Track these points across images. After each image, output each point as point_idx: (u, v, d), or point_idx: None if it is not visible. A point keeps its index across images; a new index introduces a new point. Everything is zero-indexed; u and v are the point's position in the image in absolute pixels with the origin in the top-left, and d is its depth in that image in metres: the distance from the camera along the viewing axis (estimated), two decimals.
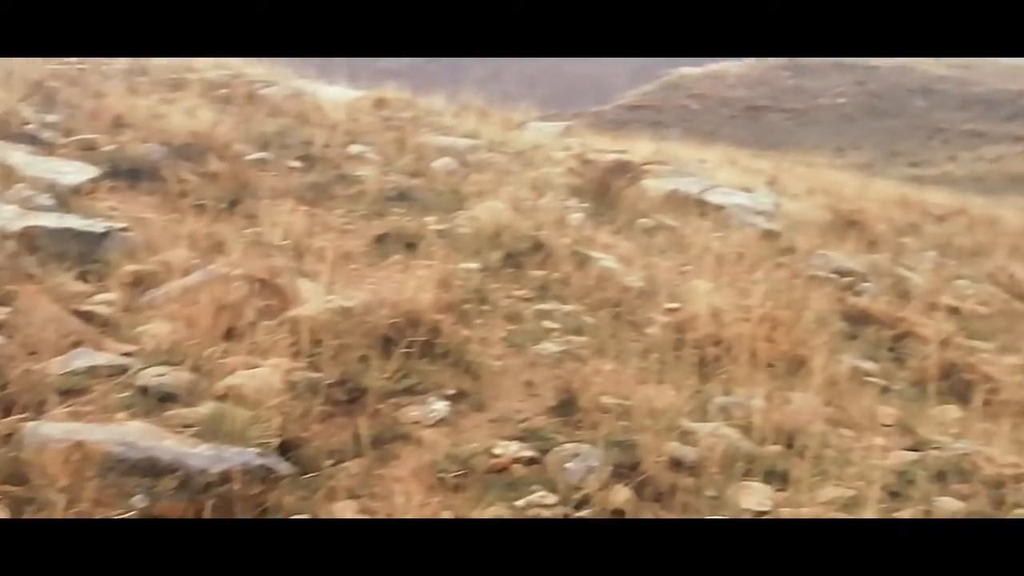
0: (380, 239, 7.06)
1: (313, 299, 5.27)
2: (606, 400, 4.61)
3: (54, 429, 3.43)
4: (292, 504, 3.56)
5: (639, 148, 13.76)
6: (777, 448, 4.40)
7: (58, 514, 3.11)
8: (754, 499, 3.97)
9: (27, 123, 8.13)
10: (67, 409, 3.69)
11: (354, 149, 9.63)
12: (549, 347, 5.46)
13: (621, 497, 3.78)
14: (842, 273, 8.64)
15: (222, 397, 4.13)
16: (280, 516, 3.47)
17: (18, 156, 7.13)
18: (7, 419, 3.51)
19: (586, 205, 9.04)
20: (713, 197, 10.39)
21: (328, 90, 13.70)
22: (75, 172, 7.12)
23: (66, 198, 6.64)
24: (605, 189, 9.17)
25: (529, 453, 4.14)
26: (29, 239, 5.55)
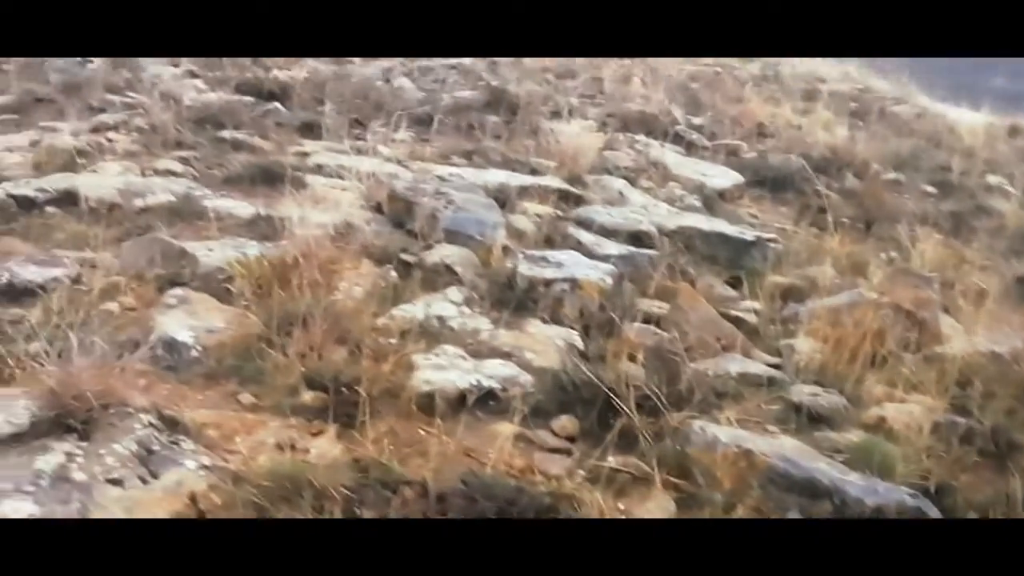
0: (1021, 280, 6.61)
1: (956, 337, 5.06)
2: None
3: (721, 432, 3.59)
4: None
5: None
6: None
7: (719, 515, 3.24)
8: None
9: (676, 124, 8.61)
10: (730, 414, 3.84)
11: (992, 179, 9.12)
12: None
13: None
14: None
15: (870, 427, 4.10)
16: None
17: (672, 156, 7.58)
18: (679, 414, 3.72)
19: None
20: None
21: (955, 112, 13.11)
22: (721, 176, 7.42)
23: (712, 201, 6.95)
24: None
25: None
26: (684, 238, 5.87)
